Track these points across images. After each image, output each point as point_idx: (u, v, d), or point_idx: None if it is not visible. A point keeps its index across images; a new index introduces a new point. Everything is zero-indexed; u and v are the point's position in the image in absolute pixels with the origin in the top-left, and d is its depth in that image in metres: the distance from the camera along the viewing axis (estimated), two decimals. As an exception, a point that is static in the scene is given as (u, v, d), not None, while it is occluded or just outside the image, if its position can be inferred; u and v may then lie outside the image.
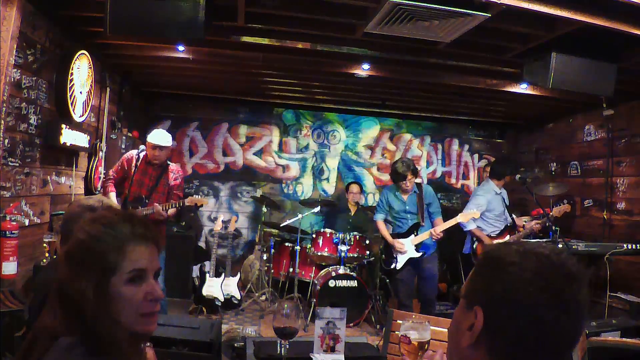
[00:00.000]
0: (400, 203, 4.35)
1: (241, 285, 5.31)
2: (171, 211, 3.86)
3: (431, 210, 4.34)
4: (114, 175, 4.01)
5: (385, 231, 4.42)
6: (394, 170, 4.26)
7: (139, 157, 3.97)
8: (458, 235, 4.80)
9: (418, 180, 4.52)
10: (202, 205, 4.06)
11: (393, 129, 6.92)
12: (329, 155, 6.73)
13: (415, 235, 4.24)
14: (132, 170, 3.92)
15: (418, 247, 4.22)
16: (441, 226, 4.16)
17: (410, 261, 4.24)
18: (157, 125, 4.09)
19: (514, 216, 4.71)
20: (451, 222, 4.19)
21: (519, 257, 0.87)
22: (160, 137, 3.89)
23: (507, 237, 4.41)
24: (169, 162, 4.04)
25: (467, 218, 4.19)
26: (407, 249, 4.23)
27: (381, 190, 6.80)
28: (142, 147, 4.03)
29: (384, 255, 4.50)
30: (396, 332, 1.97)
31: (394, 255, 4.28)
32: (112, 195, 3.93)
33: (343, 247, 4.98)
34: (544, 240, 4.15)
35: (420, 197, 4.31)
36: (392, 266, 4.31)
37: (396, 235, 4.34)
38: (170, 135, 4.01)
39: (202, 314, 4.74)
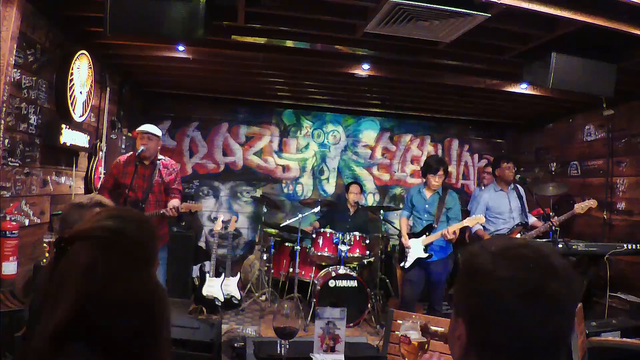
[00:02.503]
0: (422, 201, 4.36)
1: (241, 285, 5.31)
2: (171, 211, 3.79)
3: (450, 215, 4.28)
4: (105, 185, 3.88)
5: (403, 228, 4.46)
6: (426, 163, 4.34)
7: (127, 160, 3.84)
8: (460, 236, 4.79)
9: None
10: (197, 211, 4.00)
11: (393, 129, 6.92)
12: (329, 155, 6.73)
13: (426, 236, 4.23)
14: (121, 175, 3.78)
15: (427, 249, 4.21)
16: (452, 227, 4.12)
17: (419, 262, 4.22)
18: (158, 125, 4.06)
19: (530, 216, 4.55)
20: (459, 225, 4.17)
21: (492, 266, 0.84)
22: (148, 126, 3.81)
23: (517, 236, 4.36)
24: (160, 158, 3.91)
25: (473, 222, 4.16)
26: (415, 248, 4.22)
27: (381, 190, 6.84)
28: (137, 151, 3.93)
29: (397, 254, 4.53)
30: (396, 332, 1.97)
31: (406, 255, 4.31)
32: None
33: (343, 247, 4.98)
34: (544, 240, 4.13)
35: (442, 199, 4.29)
36: (402, 264, 4.34)
37: (411, 234, 4.36)
38: (159, 129, 3.91)
39: (202, 314, 4.73)
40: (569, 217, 4.12)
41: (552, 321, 0.82)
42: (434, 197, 4.33)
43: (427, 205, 4.33)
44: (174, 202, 3.81)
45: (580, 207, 4.13)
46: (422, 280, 4.27)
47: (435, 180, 4.24)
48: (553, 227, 4.08)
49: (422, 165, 4.51)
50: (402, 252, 4.43)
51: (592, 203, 4.13)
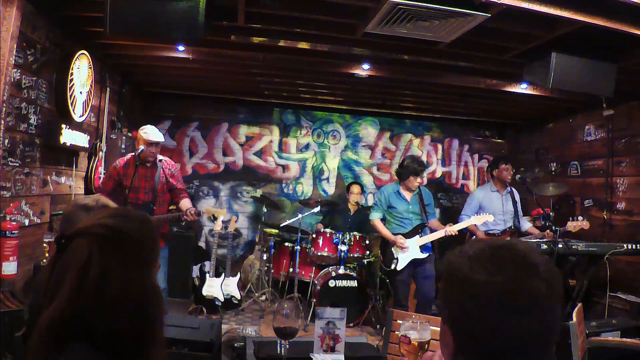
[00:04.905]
0: (404, 202, 4.32)
1: (241, 285, 5.31)
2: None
3: (429, 210, 4.33)
4: (104, 188, 3.82)
5: (385, 229, 4.33)
6: (410, 166, 4.21)
7: (127, 162, 3.80)
8: (458, 235, 4.78)
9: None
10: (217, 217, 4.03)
11: (393, 129, 6.92)
12: (329, 155, 6.73)
13: (420, 236, 4.22)
14: (123, 178, 3.75)
15: (422, 248, 4.21)
16: (457, 225, 4.17)
17: (413, 262, 4.20)
18: (158, 125, 4.05)
19: (524, 221, 4.57)
20: (466, 224, 4.21)
21: (469, 270, 0.85)
22: (156, 133, 3.78)
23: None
24: (160, 159, 3.88)
25: (481, 221, 4.20)
26: (410, 249, 4.20)
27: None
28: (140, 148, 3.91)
29: (382, 256, 4.43)
30: (396, 332, 1.97)
31: (395, 256, 4.22)
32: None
33: (343, 247, 4.98)
34: (544, 240, 4.13)
35: (421, 197, 4.30)
36: (393, 267, 4.23)
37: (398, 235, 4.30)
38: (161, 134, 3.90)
39: (202, 314, 4.74)
40: (562, 232, 4.15)
41: (532, 320, 0.81)
42: (414, 197, 4.33)
43: (410, 207, 4.31)
44: (187, 203, 3.85)
45: (572, 225, 4.20)
46: (411, 277, 4.29)
47: (418, 182, 4.25)
48: (547, 236, 4.14)
49: (401, 167, 4.33)
50: (386, 253, 4.32)
51: (584, 224, 4.22)
